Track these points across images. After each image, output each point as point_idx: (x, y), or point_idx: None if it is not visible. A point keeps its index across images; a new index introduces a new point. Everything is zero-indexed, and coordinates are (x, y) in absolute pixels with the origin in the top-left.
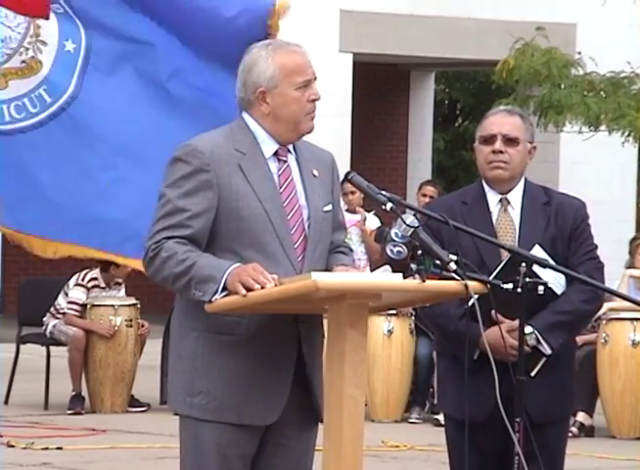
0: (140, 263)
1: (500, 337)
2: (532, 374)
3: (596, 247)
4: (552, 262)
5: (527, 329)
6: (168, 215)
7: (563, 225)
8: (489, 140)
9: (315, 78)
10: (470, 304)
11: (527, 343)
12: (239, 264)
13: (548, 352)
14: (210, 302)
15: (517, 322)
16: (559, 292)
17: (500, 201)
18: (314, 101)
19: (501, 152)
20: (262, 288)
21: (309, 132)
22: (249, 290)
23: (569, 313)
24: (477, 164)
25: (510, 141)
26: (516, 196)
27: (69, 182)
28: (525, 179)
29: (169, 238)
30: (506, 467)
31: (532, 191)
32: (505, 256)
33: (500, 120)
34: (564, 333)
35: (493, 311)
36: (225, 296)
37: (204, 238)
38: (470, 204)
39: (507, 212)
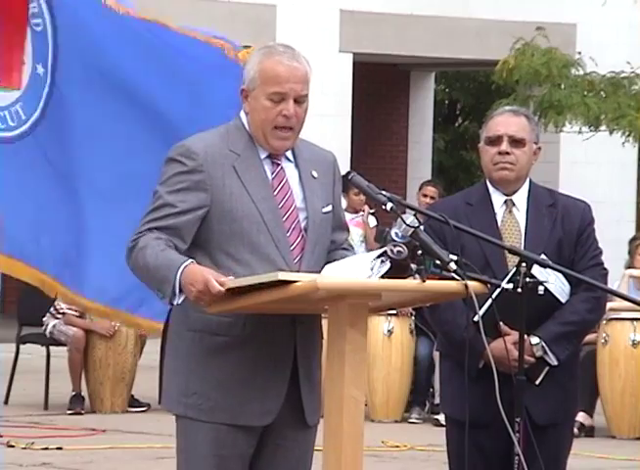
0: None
1: (505, 350)
2: (537, 383)
3: (601, 252)
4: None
5: (534, 340)
6: (156, 209)
7: (569, 228)
8: (495, 141)
9: (299, 96)
10: (475, 320)
11: (534, 354)
12: (190, 262)
13: (554, 362)
14: (172, 305)
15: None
16: (562, 299)
17: (505, 202)
18: (285, 117)
19: (507, 153)
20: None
21: (280, 151)
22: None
23: (574, 324)
24: (478, 165)
25: (516, 142)
26: (521, 197)
27: (33, 205)
28: (530, 181)
29: (151, 230)
30: (509, 468)
31: (537, 192)
32: (510, 257)
33: (506, 121)
34: (570, 344)
35: (501, 324)
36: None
37: (188, 234)
38: (474, 205)
39: (512, 214)
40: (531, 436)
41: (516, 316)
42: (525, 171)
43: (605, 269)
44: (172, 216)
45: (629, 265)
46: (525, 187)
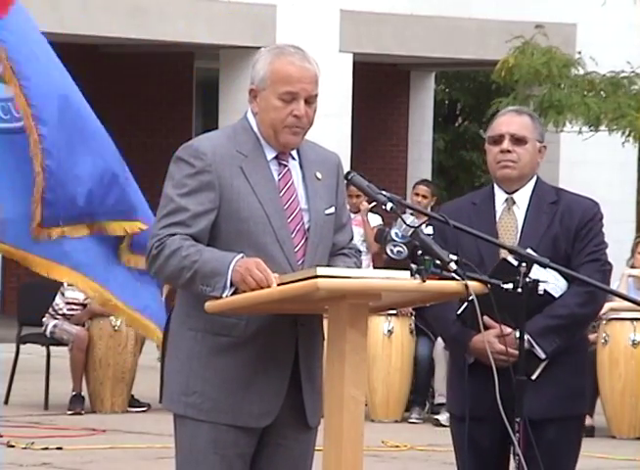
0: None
1: (487, 343)
2: (533, 377)
3: (604, 248)
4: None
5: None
6: (171, 214)
7: (568, 224)
8: (498, 140)
9: (310, 96)
10: (459, 312)
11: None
12: (241, 256)
13: (542, 356)
14: (221, 297)
15: (506, 328)
16: (556, 294)
17: (506, 200)
18: (296, 117)
19: (509, 151)
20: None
21: (291, 147)
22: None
23: (563, 317)
24: (478, 165)
25: (518, 140)
26: (523, 195)
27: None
28: (538, 179)
29: (172, 235)
30: (504, 461)
31: (542, 190)
32: (504, 255)
33: (508, 120)
34: (558, 337)
35: (485, 317)
36: (234, 291)
37: (205, 238)
38: (478, 204)
39: (511, 211)
40: (530, 433)
41: (508, 312)
42: (529, 169)
43: (606, 265)
44: (188, 223)
45: (632, 265)
46: (530, 185)
